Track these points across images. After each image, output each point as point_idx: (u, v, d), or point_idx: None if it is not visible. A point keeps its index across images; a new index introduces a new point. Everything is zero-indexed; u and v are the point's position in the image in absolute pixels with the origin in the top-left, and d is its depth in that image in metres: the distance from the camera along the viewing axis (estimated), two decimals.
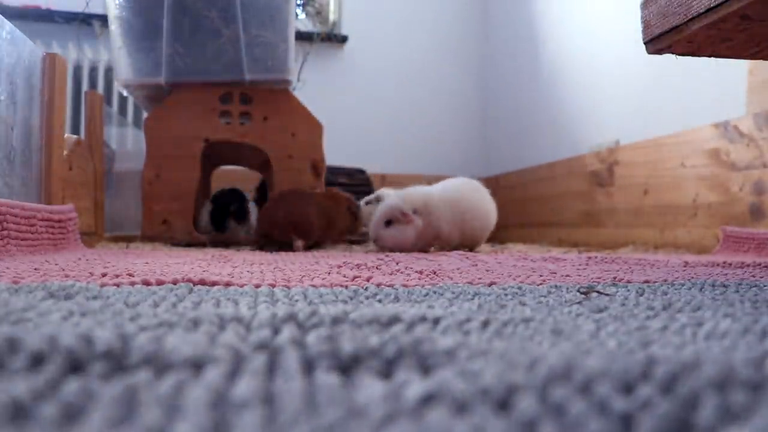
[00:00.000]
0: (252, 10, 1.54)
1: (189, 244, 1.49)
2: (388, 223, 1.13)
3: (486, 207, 1.27)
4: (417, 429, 0.16)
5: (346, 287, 0.51)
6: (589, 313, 0.37)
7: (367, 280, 0.58)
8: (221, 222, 1.51)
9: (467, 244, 1.28)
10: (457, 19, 2.82)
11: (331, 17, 2.75)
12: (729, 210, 1.38)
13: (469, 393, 0.18)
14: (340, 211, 1.37)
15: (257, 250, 1.30)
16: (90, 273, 0.57)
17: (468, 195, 1.25)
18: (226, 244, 1.51)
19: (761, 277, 0.65)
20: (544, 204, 2.24)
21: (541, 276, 0.63)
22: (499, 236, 2.56)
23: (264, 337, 0.25)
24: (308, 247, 1.34)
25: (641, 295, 0.47)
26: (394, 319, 0.31)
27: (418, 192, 1.17)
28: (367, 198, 1.57)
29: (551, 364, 0.20)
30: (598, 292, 0.49)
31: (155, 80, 1.55)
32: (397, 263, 0.77)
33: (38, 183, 1.04)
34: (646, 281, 0.59)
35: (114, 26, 1.56)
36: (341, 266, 0.73)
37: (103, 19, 2.02)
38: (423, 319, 0.31)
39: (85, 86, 2.23)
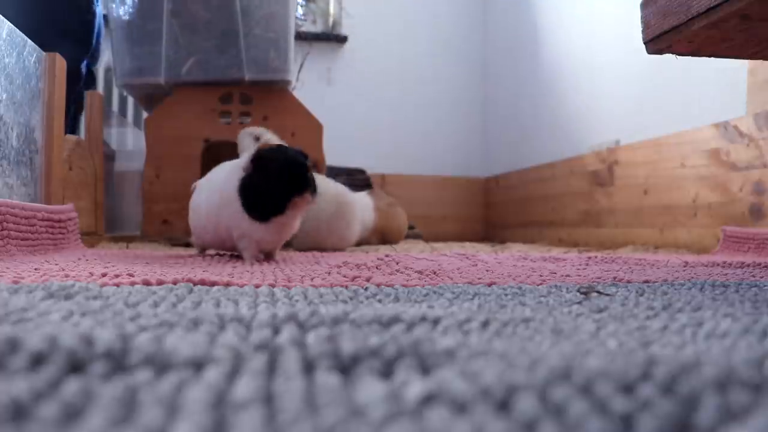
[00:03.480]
0: (252, 10, 1.54)
1: (189, 244, 1.49)
2: (257, 139, 1.24)
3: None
4: (417, 429, 0.16)
5: (346, 287, 0.51)
6: (589, 313, 0.37)
7: (367, 280, 0.58)
8: None
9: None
10: (457, 19, 2.82)
11: (331, 18, 2.75)
12: (729, 210, 1.38)
13: (469, 393, 0.18)
14: None
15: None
16: (90, 273, 0.56)
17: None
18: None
19: (761, 277, 0.65)
20: (544, 204, 2.24)
21: (541, 276, 0.63)
22: (499, 236, 2.56)
23: (264, 337, 0.25)
24: None
25: (641, 295, 0.47)
26: (394, 319, 0.31)
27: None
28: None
29: (551, 365, 0.20)
30: (598, 292, 0.49)
31: (155, 80, 1.55)
32: (397, 263, 0.77)
33: (38, 183, 1.04)
34: (646, 281, 0.58)
35: (114, 26, 1.56)
36: (341, 266, 0.73)
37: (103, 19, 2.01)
38: (423, 319, 0.31)
39: None
